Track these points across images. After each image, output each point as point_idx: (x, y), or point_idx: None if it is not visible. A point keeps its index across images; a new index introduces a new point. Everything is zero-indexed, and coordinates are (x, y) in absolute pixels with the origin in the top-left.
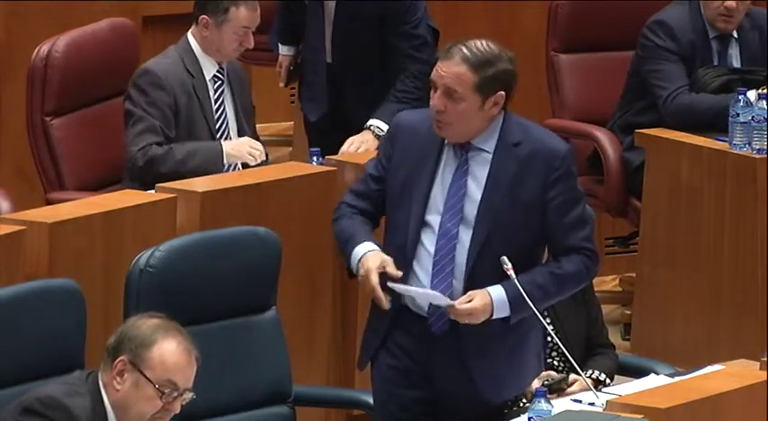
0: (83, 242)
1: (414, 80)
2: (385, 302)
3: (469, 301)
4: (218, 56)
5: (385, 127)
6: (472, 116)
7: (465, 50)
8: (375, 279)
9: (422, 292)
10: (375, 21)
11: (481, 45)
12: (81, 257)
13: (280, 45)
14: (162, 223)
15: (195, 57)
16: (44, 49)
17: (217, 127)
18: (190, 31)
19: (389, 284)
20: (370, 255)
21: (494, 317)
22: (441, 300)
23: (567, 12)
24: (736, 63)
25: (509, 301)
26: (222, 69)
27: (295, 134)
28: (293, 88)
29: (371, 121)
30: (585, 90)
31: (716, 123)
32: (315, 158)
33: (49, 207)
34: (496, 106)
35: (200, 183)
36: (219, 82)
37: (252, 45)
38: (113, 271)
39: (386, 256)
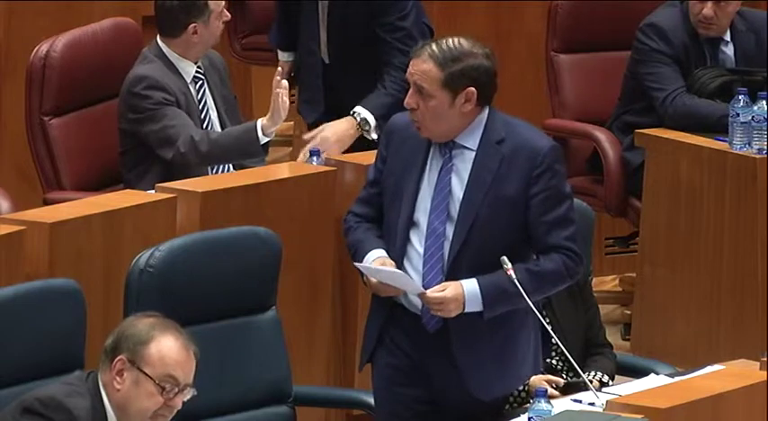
0: (83, 242)
1: (400, 72)
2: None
3: (442, 291)
4: (206, 49)
5: (368, 116)
6: (444, 113)
7: (433, 47)
8: (373, 280)
9: (390, 272)
10: (366, 18)
11: (451, 42)
12: (81, 257)
13: (279, 52)
14: (162, 223)
15: (172, 63)
16: (42, 48)
17: (203, 126)
18: (159, 39)
19: (356, 265)
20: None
21: (466, 310)
22: (412, 286)
23: (566, 12)
24: (730, 64)
25: (482, 296)
26: (201, 67)
27: (295, 134)
28: (294, 88)
29: (357, 108)
30: (585, 90)
31: (714, 127)
32: (315, 158)
33: (49, 207)
34: (468, 102)
35: (200, 183)
36: (201, 82)
37: (229, 16)
38: (113, 271)
39: (387, 259)
